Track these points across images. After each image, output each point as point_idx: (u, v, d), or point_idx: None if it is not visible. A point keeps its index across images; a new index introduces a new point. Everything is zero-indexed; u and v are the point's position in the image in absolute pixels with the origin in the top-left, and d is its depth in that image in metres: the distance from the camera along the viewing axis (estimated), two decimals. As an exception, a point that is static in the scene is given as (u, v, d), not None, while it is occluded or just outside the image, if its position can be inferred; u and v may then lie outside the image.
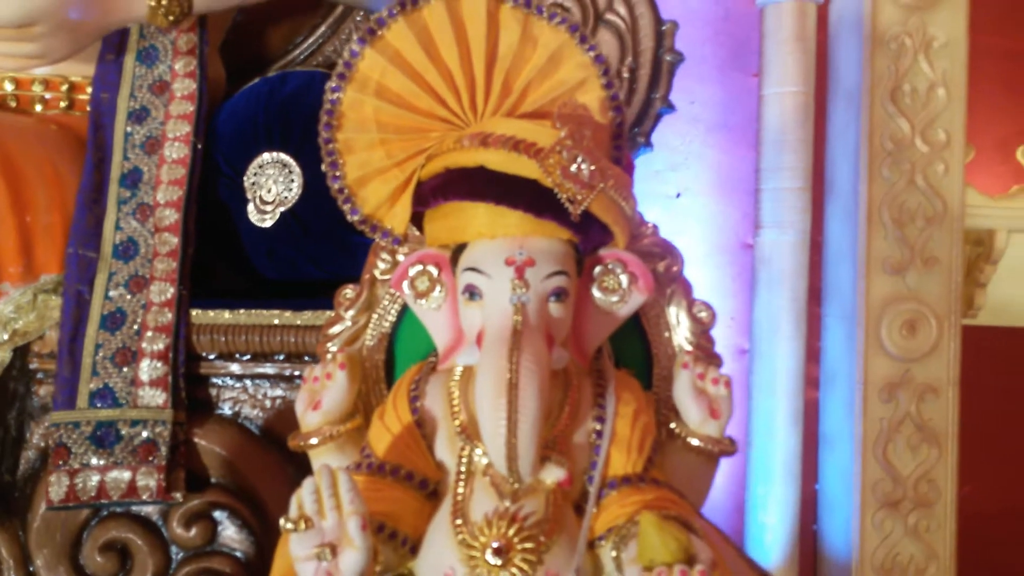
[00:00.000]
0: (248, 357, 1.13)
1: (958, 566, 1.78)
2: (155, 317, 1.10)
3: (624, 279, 0.87)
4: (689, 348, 0.96)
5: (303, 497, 0.71)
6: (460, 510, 0.80)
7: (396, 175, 0.89)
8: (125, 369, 1.08)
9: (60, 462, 1.05)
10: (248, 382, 1.15)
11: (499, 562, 0.76)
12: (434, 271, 0.88)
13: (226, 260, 1.23)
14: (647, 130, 1.32)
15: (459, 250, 0.85)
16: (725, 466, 1.83)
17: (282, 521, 0.69)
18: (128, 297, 1.11)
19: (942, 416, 1.78)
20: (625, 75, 1.35)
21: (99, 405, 1.07)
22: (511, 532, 0.78)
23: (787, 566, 1.84)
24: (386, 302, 0.96)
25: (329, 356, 0.94)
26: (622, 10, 1.28)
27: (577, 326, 0.87)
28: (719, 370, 0.91)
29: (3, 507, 1.11)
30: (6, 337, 1.09)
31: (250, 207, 1.20)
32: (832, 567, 1.84)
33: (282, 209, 1.19)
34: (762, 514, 1.83)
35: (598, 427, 0.84)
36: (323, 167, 0.89)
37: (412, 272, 0.88)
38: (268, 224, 1.20)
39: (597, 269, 0.88)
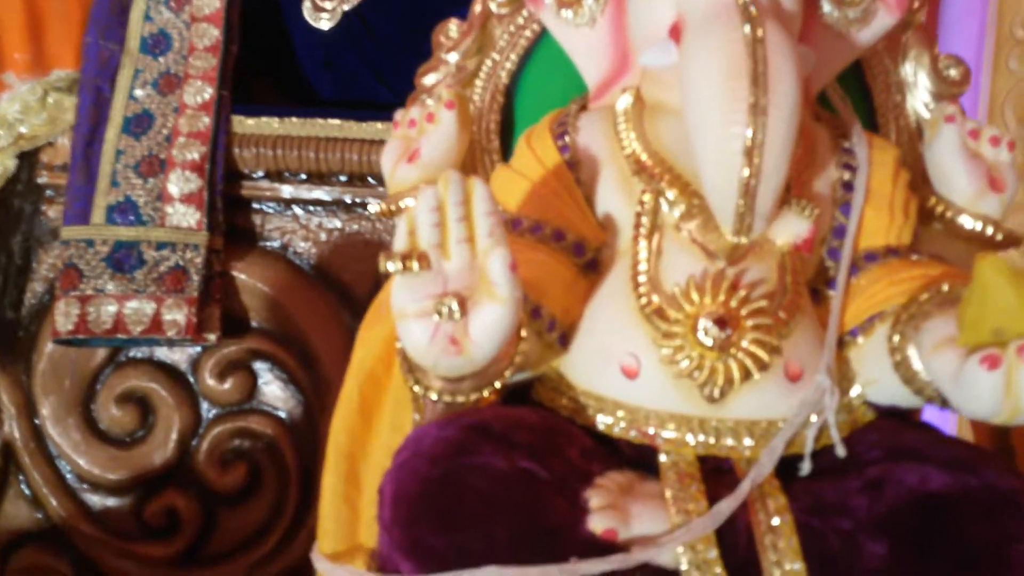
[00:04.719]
0: (301, 178, 0.96)
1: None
2: (189, 122, 0.93)
3: None
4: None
5: (419, 219, 0.47)
6: (647, 275, 0.56)
7: None
8: (151, 181, 0.91)
9: (69, 287, 0.88)
10: (299, 209, 0.98)
11: (718, 338, 0.51)
12: None
13: (273, 72, 1.05)
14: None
15: None
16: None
17: (382, 259, 0.45)
18: (157, 98, 0.95)
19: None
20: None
21: (118, 222, 0.90)
22: (734, 302, 0.53)
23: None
24: (503, 44, 0.74)
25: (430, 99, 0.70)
26: None
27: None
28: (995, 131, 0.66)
29: (5, 347, 0.97)
30: (11, 140, 0.93)
31: (305, 4, 1.03)
32: None
33: (344, 7, 1.02)
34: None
35: (846, 176, 0.61)
36: None
37: None
38: (326, 26, 1.02)
39: None
